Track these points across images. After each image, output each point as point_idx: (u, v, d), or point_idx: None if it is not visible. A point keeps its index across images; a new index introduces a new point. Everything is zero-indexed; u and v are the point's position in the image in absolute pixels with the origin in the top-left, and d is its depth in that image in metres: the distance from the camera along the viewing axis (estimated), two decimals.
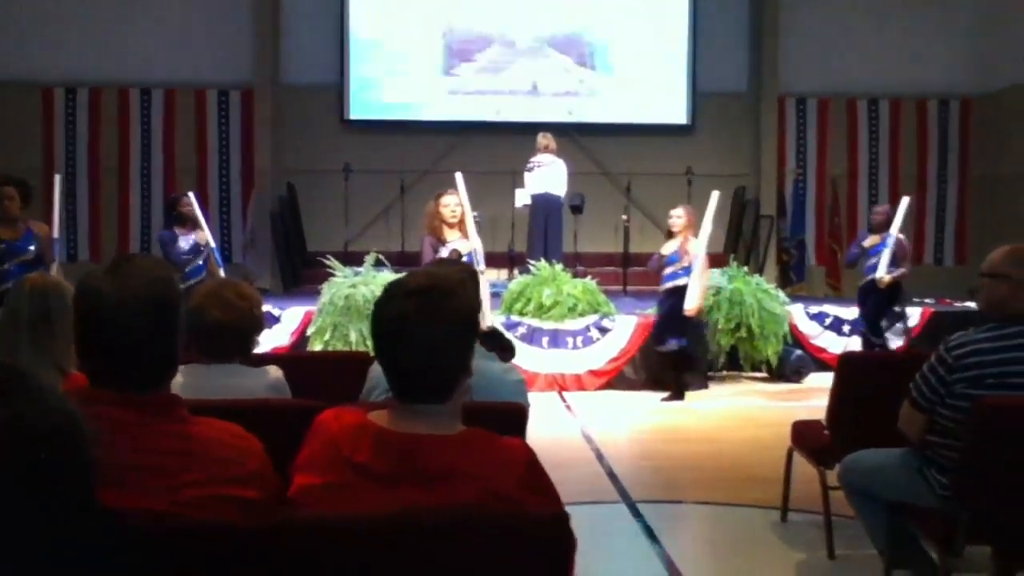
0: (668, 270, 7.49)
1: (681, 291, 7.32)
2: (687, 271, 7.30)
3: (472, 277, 2.76)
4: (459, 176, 6.54)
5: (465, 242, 5.78)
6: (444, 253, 5.73)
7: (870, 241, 8.00)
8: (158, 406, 1.58)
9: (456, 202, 5.95)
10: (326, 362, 4.03)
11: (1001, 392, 2.75)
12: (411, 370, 1.66)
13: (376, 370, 2.51)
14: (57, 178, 7.84)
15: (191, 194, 7.69)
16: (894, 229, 7.87)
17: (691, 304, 7.27)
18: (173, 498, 1.51)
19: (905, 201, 8.14)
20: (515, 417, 2.47)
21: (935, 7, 12.61)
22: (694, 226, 7.53)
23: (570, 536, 1.60)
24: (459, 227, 5.93)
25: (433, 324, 1.63)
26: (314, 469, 1.68)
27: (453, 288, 1.68)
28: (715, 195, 7.87)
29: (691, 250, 7.31)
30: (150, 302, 1.55)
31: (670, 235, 7.52)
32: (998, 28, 12.23)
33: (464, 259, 5.71)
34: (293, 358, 4.84)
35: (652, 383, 8.19)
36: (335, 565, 1.50)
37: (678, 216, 7.49)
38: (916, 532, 3.09)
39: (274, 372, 2.72)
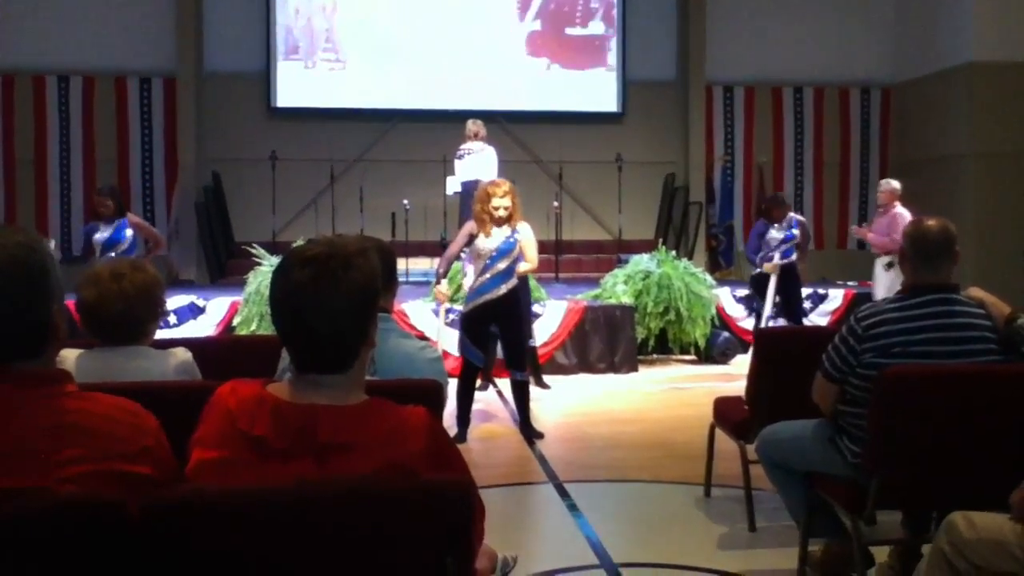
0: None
1: (525, 281, 6.65)
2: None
3: (379, 249, 2.72)
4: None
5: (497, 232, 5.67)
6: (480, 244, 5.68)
7: (779, 232, 8.23)
8: (34, 378, 1.51)
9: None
10: (239, 345, 3.95)
11: (905, 361, 2.82)
12: (308, 340, 1.62)
13: None
14: None
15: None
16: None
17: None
18: (55, 475, 1.44)
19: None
20: (430, 394, 2.44)
21: (857, 0, 12.91)
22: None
23: (471, 503, 1.59)
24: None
25: (331, 293, 1.60)
26: (210, 444, 1.63)
27: (351, 256, 1.64)
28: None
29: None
30: (10, 270, 1.48)
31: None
32: (916, 20, 12.57)
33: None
34: (204, 341, 4.74)
35: (584, 367, 8.26)
36: (228, 540, 1.46)
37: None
38: (831, 501, 3.15)
39: (182, 355, 2.64)
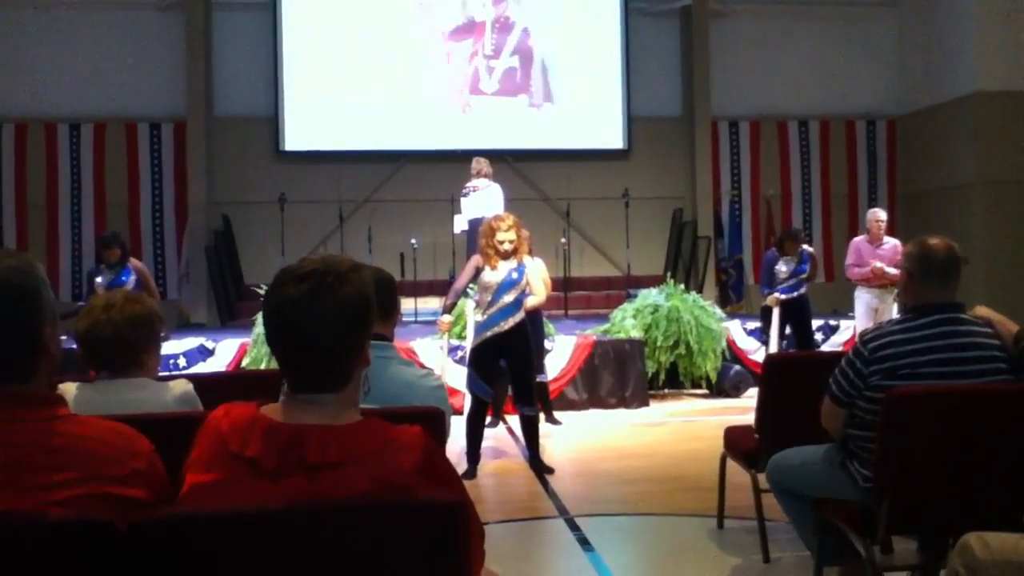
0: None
1: (536, 316, 6.73)
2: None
3: (379, 278, 2.71)
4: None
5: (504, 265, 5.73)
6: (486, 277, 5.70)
7: (787, 266, 8.22)
8: (26, 400, 1.50)
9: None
10: (244, 379, 3.93)
11: (913, 382, 2.78)
12: (303, 355, 1.61)
13: None
14: None
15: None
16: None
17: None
18: (45, 498, 1.43)
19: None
20: (431, 420, 2.41)
21: (859, 33, 13.00)
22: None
23: (467, 521, 1.56)
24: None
25: (326, 305, 1.58)
26: (203, 467, 1.61)
27: (346, 272, 1.63)
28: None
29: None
30: (2, 292, 1.48)
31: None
32: (918, 52, 12.64)
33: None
34: (210, 376, 4.73)
35: (594, 402, 8.19)
36: (217, 559, 1.43)
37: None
38: (842, 527, 3.09)
39: (182, 386, 2.64)
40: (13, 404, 1.49)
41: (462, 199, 9.40)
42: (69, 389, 2.47)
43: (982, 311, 2.94)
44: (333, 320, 1.59)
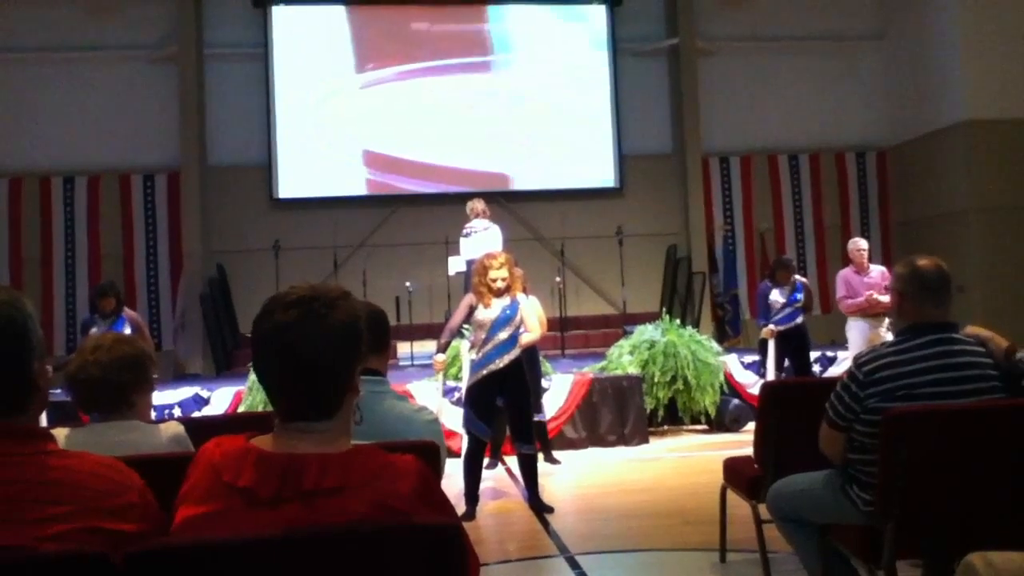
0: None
1: (533, 354, 6.77)
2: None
3: (370, 314, 2.70)
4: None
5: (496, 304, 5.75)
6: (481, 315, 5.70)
7: (781, 295, 8.22)
8: (17, 434, 1.49)
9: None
10: (240, 422, 3.90)
11: (910, 403, 2.77)
12: (293, 385, 1.60)
13: None
14: None
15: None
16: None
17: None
18: (37, 533, 1.41)
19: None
20: (426, 453, 2.39)
21: (846, 66, 13.16)
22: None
23: (463, 548, 1.54)
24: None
25: (316, 331, 1.58)
26: (196, 500, 1.59)
27: (335, 299, 1.63)
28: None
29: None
30: None
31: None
32: (905, 83, 12.79)
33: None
34: (205, 419, 4.70)
35: (594, 441, 8.13)
36: None
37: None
38: (847, 553, 3.06)
39: (174, 427, 2.63)
40: (4, 438, 1.48)
41: (462, 239, 9.41)
42: (60, 434, 2.45)
43: (974, 330, 2.94)
44: (325, 342, 1.59)
